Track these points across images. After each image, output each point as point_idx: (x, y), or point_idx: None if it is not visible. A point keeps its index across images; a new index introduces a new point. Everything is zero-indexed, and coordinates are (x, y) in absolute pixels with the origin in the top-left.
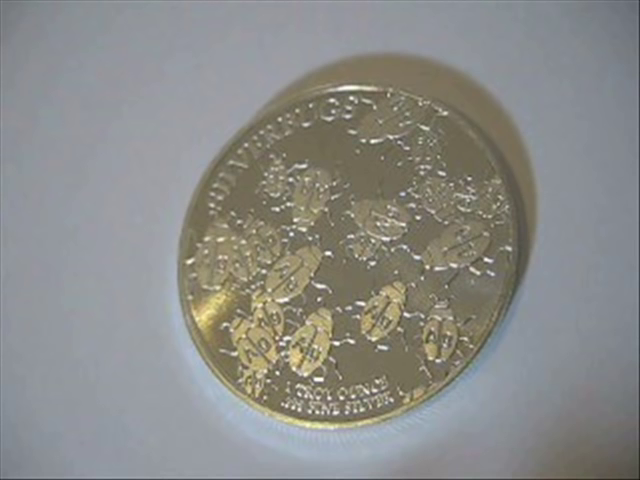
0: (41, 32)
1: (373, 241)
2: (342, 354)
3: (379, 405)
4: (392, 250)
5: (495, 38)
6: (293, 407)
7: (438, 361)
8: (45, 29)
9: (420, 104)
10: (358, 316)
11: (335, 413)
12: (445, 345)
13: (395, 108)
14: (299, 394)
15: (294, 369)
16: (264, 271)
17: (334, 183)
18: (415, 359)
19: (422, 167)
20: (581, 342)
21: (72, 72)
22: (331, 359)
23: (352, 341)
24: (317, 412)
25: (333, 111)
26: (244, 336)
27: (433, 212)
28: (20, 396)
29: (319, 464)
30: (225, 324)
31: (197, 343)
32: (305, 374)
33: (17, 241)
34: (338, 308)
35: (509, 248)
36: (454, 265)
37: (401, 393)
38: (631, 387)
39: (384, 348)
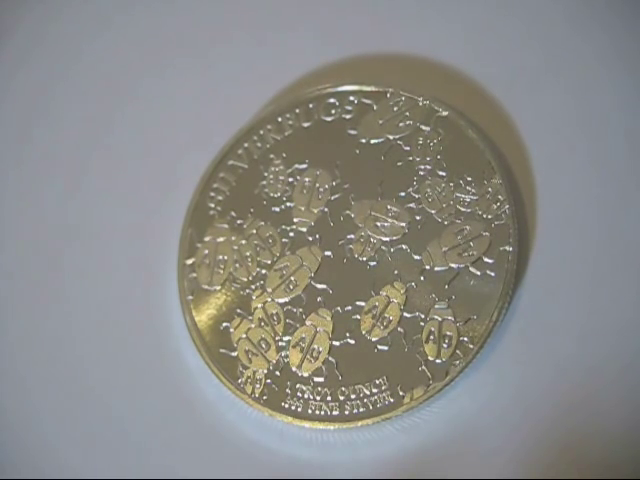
0: (41, 32)
1: (373, 241)
2: (342, 354)
3: (379, 405)
4: (392, 250)
5: (495, 38)
6: (293, 407)
7: (438, 361)
8: (46, 29)
9: (420, 104)
10: (358, 316)
11: (335, 413)
12: (445, 345)
13: (395, 108)
14: (299, 394)
15: (294, 369)
16: (264, 271)
17: (334, 183)
18: (415, 359)
19: (422, 167)
20: (581, 342)
21: (73, 72)
22: (331, 359)
23: (352, 341)
24: (317, 412)
25: (333, 111)
26: (244, 336)
27: (433, 212)
28: (20, 396)
29: (319, 464)
30: (225, 324)
31: (197, 343)
32: (305, 374)
33: (17, 241)
34: (338, 308)
35: (509, 248)
36: (454, 265)
37: (401, 393)
38: (631, 387)
39: (384, 348)
